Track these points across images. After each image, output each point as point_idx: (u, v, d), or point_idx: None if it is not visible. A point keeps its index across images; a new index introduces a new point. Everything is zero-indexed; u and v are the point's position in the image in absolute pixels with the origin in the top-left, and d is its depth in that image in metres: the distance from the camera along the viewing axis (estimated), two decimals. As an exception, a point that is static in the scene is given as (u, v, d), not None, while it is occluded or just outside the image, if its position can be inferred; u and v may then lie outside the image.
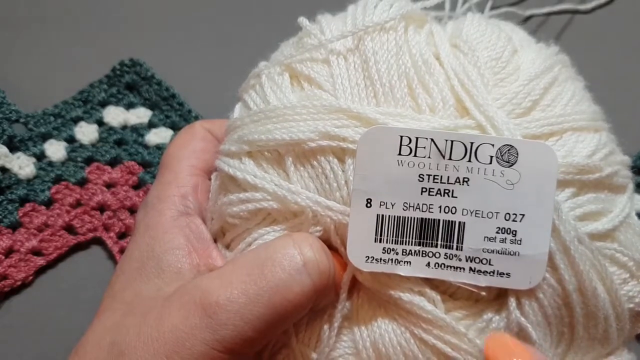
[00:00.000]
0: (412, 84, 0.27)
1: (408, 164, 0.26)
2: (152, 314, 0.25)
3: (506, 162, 0.26)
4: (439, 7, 0.40)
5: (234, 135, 0.29)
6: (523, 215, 0.26)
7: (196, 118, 0.44)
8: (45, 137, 0.43)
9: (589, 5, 0.50)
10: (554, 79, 0.29)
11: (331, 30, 0.29)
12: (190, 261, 0.27)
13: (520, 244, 0.26)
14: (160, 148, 0.43)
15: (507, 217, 0.26)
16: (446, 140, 0.26)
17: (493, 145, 0.26)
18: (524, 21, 0.49)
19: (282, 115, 0.27)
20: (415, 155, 0.26)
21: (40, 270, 0.40)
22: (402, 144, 0.26)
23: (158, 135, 0.44)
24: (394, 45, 0.28)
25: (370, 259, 0.26)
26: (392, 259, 0.26)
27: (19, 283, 0.39)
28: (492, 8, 0.46)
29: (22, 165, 0.42)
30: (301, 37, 0.31)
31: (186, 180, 0.30)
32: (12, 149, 0.42)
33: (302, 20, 0.31)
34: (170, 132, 0.44)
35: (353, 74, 0.28)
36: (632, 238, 0.28)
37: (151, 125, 0.44)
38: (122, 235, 0.41)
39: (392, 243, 0.26)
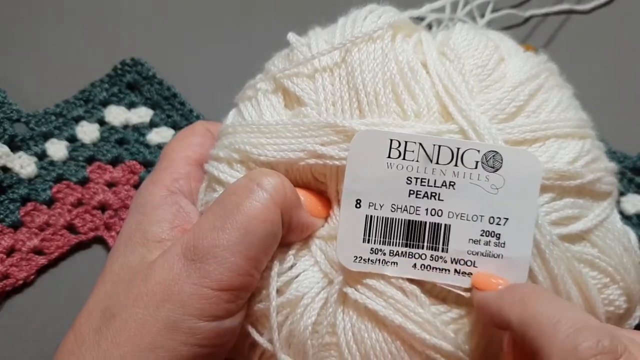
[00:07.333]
0: (397, 90, 0.28)
1: (397, 167, 0.27)
2: (138, 277, 0.26)
3: (491, 167, 0.26)
4: (441, 10, 0.41)
5: (224, 141, 0.30)
6: (507, 219, 0.26)
7: (197, 117, 0.44)
8: (46, 136, 0.43)
9: (587, 6, 0.50)
10: (539, 86, 0.29)
11: (318, 46, 0.30)
12: (174, 234, 0.28)
13: (503, 246, 0.26)
14: (161, 147, 0.43)
15: (492, 221, 0.26)
16: (434, 145, 0.26)
17: (479, 151, 0.26)
18: (524, 22, 0.49)
19: (275, 132, 0.28)
20: (404, 159, 0.27)
21: (42, 270, 0.40)
22: (392, 147, 0.27)
23: (159, 135, 0.44)
24: (380, 54, 0.29)
25: (359, 259, 0.27)
26: (379, 260, 0.27)
27: (20, 282, 0.39)
28: (493, 11, 0.46)
29: (24, 164, 0.42)
30: (292, 49, 0.31)
31: (180, 168, 0.31)
32: (14, 148, 0.42)
33: (291, 37, 0.31)
34: (171, 131, 0.44)
35: (337, 87, 0.28)
36: (611, 243, 0.28)
37: (152, 124, 0.45)
38: (123, 235, 0.41)
39: (379, 244, 0.27)
